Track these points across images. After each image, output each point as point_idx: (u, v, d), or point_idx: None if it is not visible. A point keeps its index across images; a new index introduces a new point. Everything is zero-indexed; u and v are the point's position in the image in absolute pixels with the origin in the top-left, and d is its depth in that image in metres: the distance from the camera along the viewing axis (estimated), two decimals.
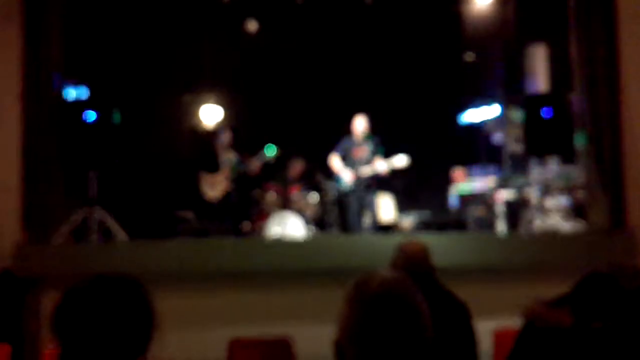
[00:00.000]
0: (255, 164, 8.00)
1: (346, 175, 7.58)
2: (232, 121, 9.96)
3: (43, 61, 6.12)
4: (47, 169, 6.06)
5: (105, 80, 8.94)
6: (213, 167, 8.13)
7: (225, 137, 8.23)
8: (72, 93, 7.92)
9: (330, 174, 8.20)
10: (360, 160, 7.55)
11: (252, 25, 9.72)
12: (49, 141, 6.09)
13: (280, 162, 8.61)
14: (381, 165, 7.49)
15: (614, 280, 2.83)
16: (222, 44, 9.82)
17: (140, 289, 1.53)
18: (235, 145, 8.18)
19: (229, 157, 8.16)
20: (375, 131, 7.87)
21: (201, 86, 9.95)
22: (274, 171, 8.64)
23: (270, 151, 8.07)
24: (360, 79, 9.78)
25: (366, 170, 7.52)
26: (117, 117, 6.51)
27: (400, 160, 7.52)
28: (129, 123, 8.43)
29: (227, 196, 8.07)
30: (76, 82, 8.09)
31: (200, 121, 9.97)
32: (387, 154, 7.77)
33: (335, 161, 7.78)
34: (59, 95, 6.21)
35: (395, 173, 7.93)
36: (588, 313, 2.72)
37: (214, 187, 7.97)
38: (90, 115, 6.22)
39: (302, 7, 9.48)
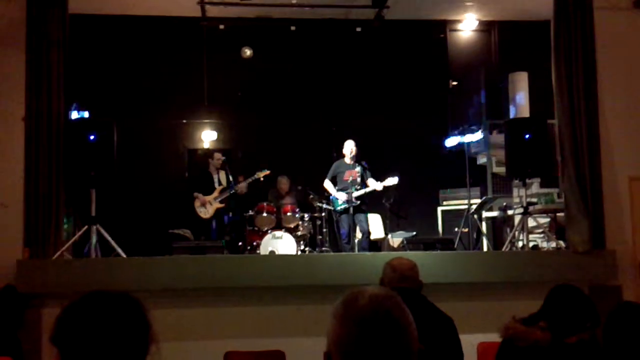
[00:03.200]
0: (242, 184, 8.07)
1: (341, 197, 7.68)
2: (225, 143, 9.98)
3: (45, 85, 6.11)
4: (49, 188, 6.03)
5: (105, 103, 8.97)
6: (205, 187, 8.17)
7: (217, 159, 8.32)
8: (74, 115, 7.93)
9: (322, 195, 8.23)
10: (351, 182, 7.64)
11: (247, 52, 9.78)
12: (50, 161, 6.07)
13: (270, 181, 8.64)
14: (377, 185, 7.62)
15: (579, 291, 2.85)
16: (218, 68, 9.87)
17: (137, 304, 1.52)
18: (227, 166, 8.24)
19: (221, 178, 8.22)
20: (365, 155, 7.97)
21: (197, 109, 9.97)
22: (265, 190, 8.65)
23: (261, 173, 8.11)
24: (349, 103, 9.85)
25: (359, 192, 7.66)
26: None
27: (392, 181, 7.70)
28: (127, 144, 8.45)
29: (219, 215, 8.11)
30: (78, 105, 8.12)
31: (195, 143, 9.97)
32: (376, 177, 7.84)
33: (328, 184, 7.90)
34: (61, 116, 6.19)
35: (384, 194, 8.00)
36: (562, 327, 2.73)
37: (206, 206, 8.03)
38: (91, 136, 6.20)
39: (295, 34, 9.57)
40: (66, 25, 6.26)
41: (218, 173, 8.26)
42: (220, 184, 8.25)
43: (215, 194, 8.10)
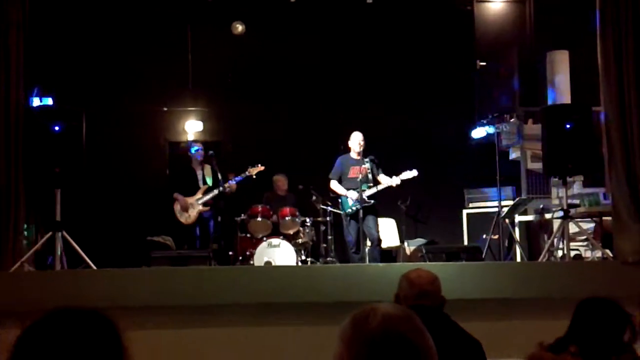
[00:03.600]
0: (231, 183, 7.93)
1: (352, 195, 7.68)
2: (213, 135, 9.99)
3: (2, 69, 6.12)
4: (6, 187, 6.03)
5: (72, 88, 8.98)
6: (187, 186, 8.06)
7: (199, 152, 8.15)
8: (36, 102, 7.94)
9: (327, 196, 8.22)
10: (361, 180, 7.59)
11: (238, 28, 9.77)
12: (8, 156, 6.07)
13: (265, 180, 8.63)
14: (392, 180, 7.60)
15: (612, 305, 2.83)
16: (205, 47, 9.87)
17: (110, 323, 1.52)
18: (215, 161, 8.06)
19: (205, 175, 8.11)
20: (376, 150, 7.95)
21: (180, 95, 9.98)
22: (259, 190, 8.65)
23: (253, 169, 8.03)
24: (359, 89, 9.84)
25: (371, 191, 7.63)
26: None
27: (410, 174, 7.72)
28: (98, 135, 8.45)
29: (204, 220, 8.03)
30: (40, 90, 8.11)
31: (177, 135, 9.98)
32: (389, 174, 7.83)
33: (336, 185, 7.87)
34: (20, 104, 6.20)
35: (401, 193, 7.99)
36: (596, 351, 2.72)
37: (189, 210, 7.92)
38: (56, 126, 6.20)
39: (295, 6, 9.56)
40: (26, 4, 6.27)
41: (202, 169, 8.16)
42: (204, 182, 8.15)
43: (199, 194, 8.01)
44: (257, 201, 8.25)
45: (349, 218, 7.79)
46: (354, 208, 7.68)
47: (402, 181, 7.75)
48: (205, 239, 8.05)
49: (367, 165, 7.73)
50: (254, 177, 8.08)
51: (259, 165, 8.09)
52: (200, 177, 8.14)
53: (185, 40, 9.79)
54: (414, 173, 7.74)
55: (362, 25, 9.82)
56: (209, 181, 8.13)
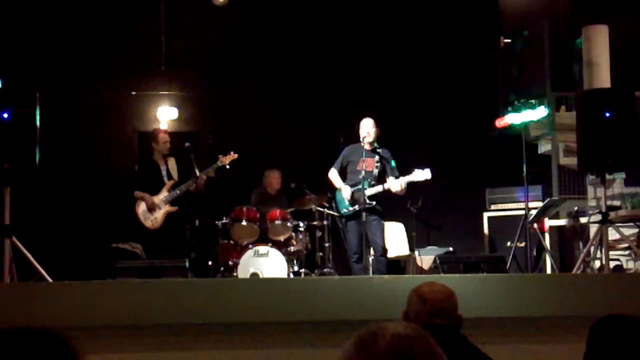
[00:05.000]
0: (200, 178, 7.77)
1: (346, 193, 7.54)
2: (190, 124, 9.98)
3: None
4: None
5: (25, 68, 8.96)
6: (151, 183, 7.89)
7: (163, 141, 7.97)
8: None
9: (323, 195, 8.20)
10: (364, 175, 7.52)
11: None
12: None
13: (253, 177, 8.61)
14: (394, 184, 7.46)
15: (632, 322, 2.82)
16: (180, 19, 9.86)
17: (67, 346, 1.51)
18: (193, 155, 7.93)
19: (170, 169, 7.95)
20: (385, 141, 7.88)
21: (151, 77, 9.97)
22: (244, 188, 8.63)
23: (225, 158, 7.91)
24: (362, 70, 9.84)
25: (373, 190, 7.49)
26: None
27: (422, 175, 7.50)
28: (55, 124, 8.43)
29: (174, 223, 7.90)
30: None
31: (148, 123, 9.95)
32: (401, 169, 7.76)
33: (334, 175, 7.74)
34: None
35: (411, 194, 7.91)
36: None
37: (153, 211, 7.77)
38: (4, 113, 6.18)
39: None
40: None
41: (166, 162, 8.02)
42: (170, 177, 8.00)
43: (164, 191, 7.85)
44: (241, 202, 8.22)
45: (344, 219, 7.72)
46: (349, 209, 7.58)
47: (411, 183, 7.56)
48: (180, 246, 8.00)
49: (377, 158, 7.62)
50: (227, 167, 7.94)
51: (232, 152, 7.96)
52: (164, 171, 7.96)
53: (157, 11, 9.77)
54: (426, 174, 7.45)
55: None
56: (175, 175, 7.96)
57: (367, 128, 7.61)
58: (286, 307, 5.82)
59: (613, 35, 9.01)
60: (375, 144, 7.65)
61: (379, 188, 7.52)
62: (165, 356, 5.81)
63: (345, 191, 7.57)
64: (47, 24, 9.51)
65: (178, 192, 7.81)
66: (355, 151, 7.71)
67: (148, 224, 7.76)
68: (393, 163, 7.68)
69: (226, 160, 7.93)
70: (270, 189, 8.69)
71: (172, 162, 7.99)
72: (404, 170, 7.71)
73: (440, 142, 9.58)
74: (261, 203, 8.38)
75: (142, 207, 7.76)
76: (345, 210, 7.65)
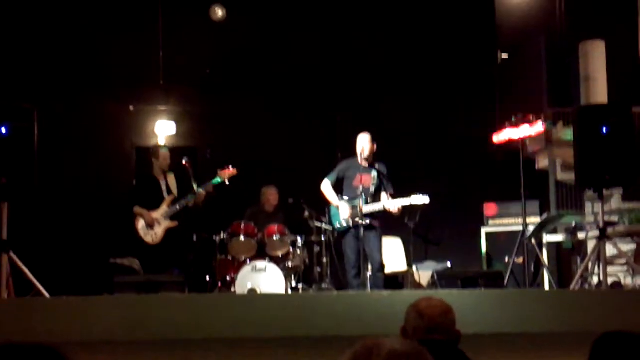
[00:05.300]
0: (199, 193, 7.83)
1: (343, 210, 7.55)
2: (188, 139, 9.98)
3: None
4: None
5: (24, 84, 8.97)
6: (151, 198, 7.92)
7: (163, 159, 8.01)
8: None
9: (321, 210, 8.19)
10: (362, 191, 7.54)
11: (218, 12, 9.78)
12: None
13: (250, 192, 8.60)
14: (392, 204, 7.47)
15: (635, 339, 2.81)
16: (179, 35, 9.88)
17: None
18: (191, 170, 7.94)
19: (170, 184, 7.99)
20: (379, 154, 7.88)
21: (149, 92, 9.97)
22: (241, 204, 8.62)
23: (225, 172, 7.92)
24: (360, 86, 9.86)
25: (370, 208, 7.51)
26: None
27: (419, 200, 7.52)
28: (53, 140, 8.43)
29: (173, 238, 7.91)
30: None
31: (146, 139, 9.95)
32: (397, 183, 7.77)
33: (327, 188, 7.73)
34: None
35: (408, 209, 7.90)
36: None
37: (154, 226, 7.80)
38: (2, 128, 6.19)
39: None
40: None
41: (166, 177, 8.06)
42: (170, 192, 8.03)
43: (164, 206, 7.88)
44: (239, 217, 8.22)
45: (342, 235, 7.71)
46: (343, 225, 7.59)
47: (408, 207, 7.57)
48: (180, 262, 8.00)
49: (374, 175, 7.63)
50: (227, 182, 7.97)
51: (231, 167, 7.98)
52: (164, 186, 8.00)
53: (155, 26, 9.79)
54: (424, 199, 7.48)
55: (365, 8, 9.85)
56: (174, 190, 7.99)
57: (363, 143, 7.62)
58: (284, 322, 5.81)
59: (610, 50, 9.04)
60: (372, 160, 7.66)
61: (377, 206, 7.52)
62: None
63: (343, 211, 7.57)
64: (46, 38, 9.53)
65: (178, 207, 7.83)
66: (352, 166, 7.71)
67: (148, 239, 7.79)
68: (388, 180, 7.69)
69: (226, 175, 7.94)
70: (267, 206, 8.68)
71: (171, 178, 8.03)
72: (402, 187, 7.71)
73: (438, 156, 9.58)
74: (257, 219, 8.36)
75: (142, 223, 7.80)
76: (338, 226, 7.66)
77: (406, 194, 7.52)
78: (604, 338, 2.78)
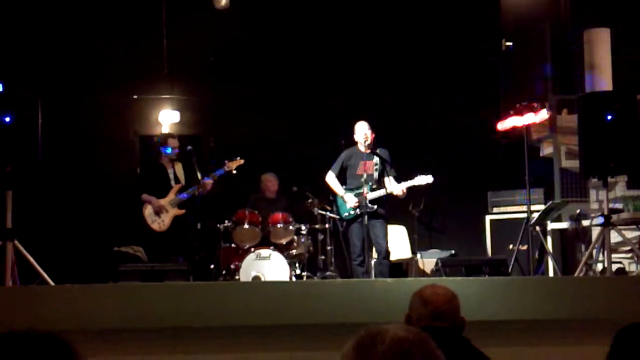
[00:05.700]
0: (206, 181, 7.88)
1: (350, 200, 7.57)
2: (192, 128, 9.98)
3: None
4: None
5: (27, 72, 8.96)
6: (158, 187, 7.95)
7: (172, 147, 8.03)
8: None
9: (325, 198, 8.20)
10: (366, 179, 7.54)
11: (222, 0, 9.75)
12: None
13: (252, 181, 8.60)
14: (396, 187, 7.49)
15: None
16: (182, 24, 9.86)
17: (69, 349, 1.51)
18: (195, 158, 7.98)
19: (177, 173, 8.02)
20: (382, 142, 7.89)
21: (153, 81, 9.97)
22: (244, 192, 8.62)
23: (232, 163, 7.94)
24: (363, 74, 9.84)
25: (375, 194, 7.51)
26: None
27: (423, 179, 7.53)
28: (57, 128, 8.43)
29: (180, 226, 7.93)
30: None
31: (150, 128, 9.96)
32: (401, 175, 7.77)
33: (331, 179, 7.77)
34: None
35: (412, 197, 7.91)
36: None
37: (161, 214, 7.82)
38: (6, 117, 6.19)
39: None
40: None
41: (173, 166, 8.09)
42: (177, 181, 8.05)
43: (171, 195, 7.92)
44: (242, 205, 8.23)
45: (347, 224, 7.73)
46: (350, 213, 7.62)
47: (412, 188, 7.59)
48: (185, 250, 7.99)
49: (376, 161, 7.64)
50: (234, 172, 8.00)
51: (239, 158, 8.01)
52: (171, 174, 8.03)
53: (158, 15, 9.77)
54: (428, 179, 7.50)
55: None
56: (182, 179, 8.02)
57: (364, 130, 7.65)
58: (288, 310, 5.82)
59: (615, 38, 9.01)
60: (372, 147, 7.67)
61: (381, 192, 7.54)
62: (166, 354, 5.81)
63: (350, 200, 7.59)
64: (49, 28, 9.52)
65: (185, 195, 7.86)
66: (354, 155, 7.74)
67: (155, 226, 7.81)
68: (390, 168, 7.69)
69: (233, 165, 7.97)
70: (268, 193, 8.68)
71: (179, 167, 8.06)
72: (405, 174, 7.72)
73: (442, 144, 9.57)
74: (259, 206, 8.36)
75: (149, 210, 7.82)
76: (346, 214, 7.67)
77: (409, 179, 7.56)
78: (627, 329, 2.77)
